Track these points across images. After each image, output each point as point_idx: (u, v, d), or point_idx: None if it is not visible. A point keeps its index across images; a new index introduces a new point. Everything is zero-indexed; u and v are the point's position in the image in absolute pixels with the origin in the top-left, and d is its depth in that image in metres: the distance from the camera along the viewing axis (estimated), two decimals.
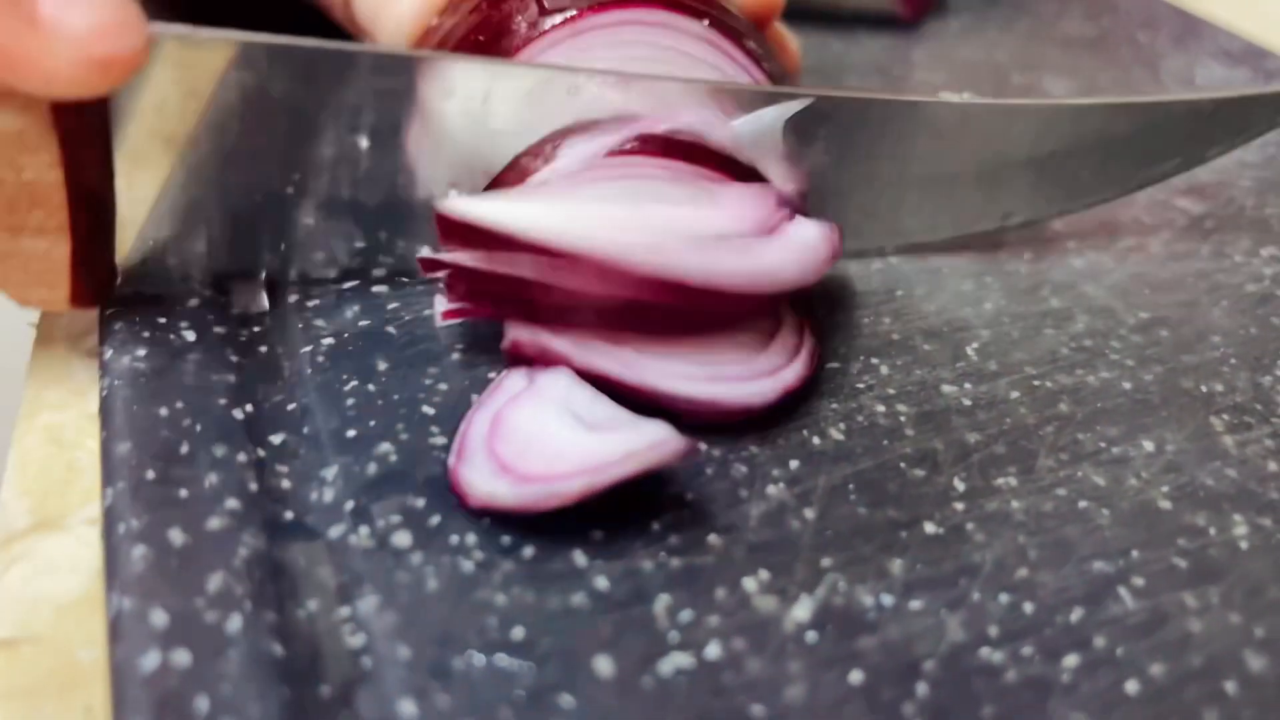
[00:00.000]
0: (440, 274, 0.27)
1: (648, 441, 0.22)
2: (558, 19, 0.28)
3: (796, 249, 0.27)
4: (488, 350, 0.28)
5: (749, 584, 0.23)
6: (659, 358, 0.26)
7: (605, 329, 0.26)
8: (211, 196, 0.28)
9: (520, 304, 0.26)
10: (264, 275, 0.30)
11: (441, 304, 0.27)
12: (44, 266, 0.27)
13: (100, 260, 0.28)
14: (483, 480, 0.23)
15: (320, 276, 0.30)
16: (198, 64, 0.26)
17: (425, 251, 0.27)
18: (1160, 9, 0.58)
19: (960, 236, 0.34)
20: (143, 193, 0.27)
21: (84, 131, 0.26)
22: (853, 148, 0.31)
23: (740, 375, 0.26)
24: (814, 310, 0.30)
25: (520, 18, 0.28)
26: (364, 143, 0.28)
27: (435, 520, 0.23)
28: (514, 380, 0.26)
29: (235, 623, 0.21)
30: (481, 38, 0.29)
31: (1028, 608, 0.23)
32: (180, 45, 0.25)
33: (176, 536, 0.22)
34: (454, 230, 0.26)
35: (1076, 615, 0.23)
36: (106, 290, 0.28)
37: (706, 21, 0.29)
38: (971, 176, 0.33)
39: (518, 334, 0.26)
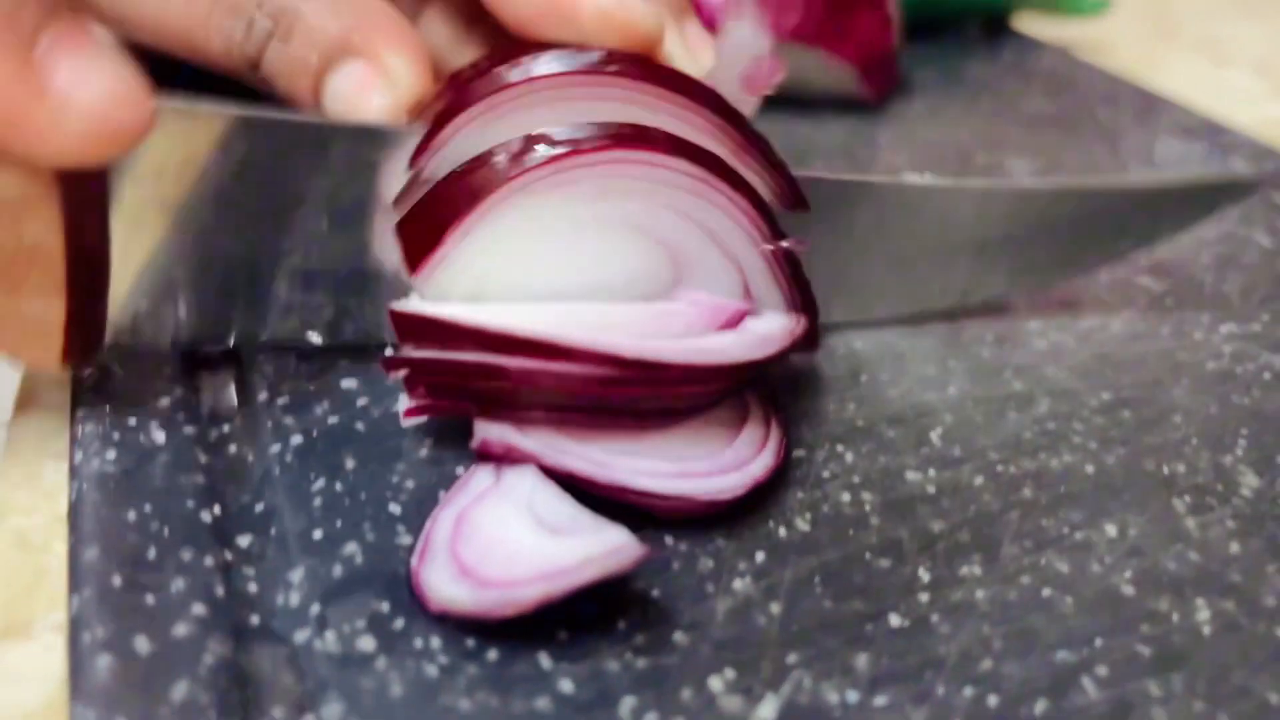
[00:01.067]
0: (400, 373, 0.27)
1: (605, 548, 0.23)
2: (539, 157, 0.27)
3: (751, 338, 0.28)
4: (455, 445, 0.29)
5: (715, 683, 0.23)
6: (626, 454, 0.27)
7: (569, 423, 0.27)
8: (199, 260, 0.29)
9: (480, 398, 0.27)
10: (234, 343, 0.31)
11: (405, 402, 0.28)
12: (39, 325, 0.27)
13: (92, 320, 0.28)
14: (443, 584, 0.23)
15: (293, 342, 0.31)
16: (194, 134, 0.27)
17: (389, 352, 0.27)
18: (1119, 86, 0.59)
19: (924, 317, 0.35)
20: (135, 256, 0.28)
21: (84, 197, 0.26)
22: (816, 227, 0.32)
23: (708, 470, 0.27)
24: (779, 397, 0.31)
25: (502, 152, 0.28)
26: (340, 213, 0.29)
27: (399, 624, 0.23)
28: (480, 478, 0.26)
29: None
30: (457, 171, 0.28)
31: (992, 700, 0.23)
32: (179, 117, 0.27)
33: (142, 645, 0.22)
34: (409, 328, 0.27)
35: (1041, 707, 0.23)
36: (95, 349, 0.29)
37: (704, 168, 0.28)
38: (930, 255, 0.34)
39: (486, 433, 0.27)
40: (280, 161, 0.29)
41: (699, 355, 0.26)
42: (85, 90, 0.24)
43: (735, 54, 0.32)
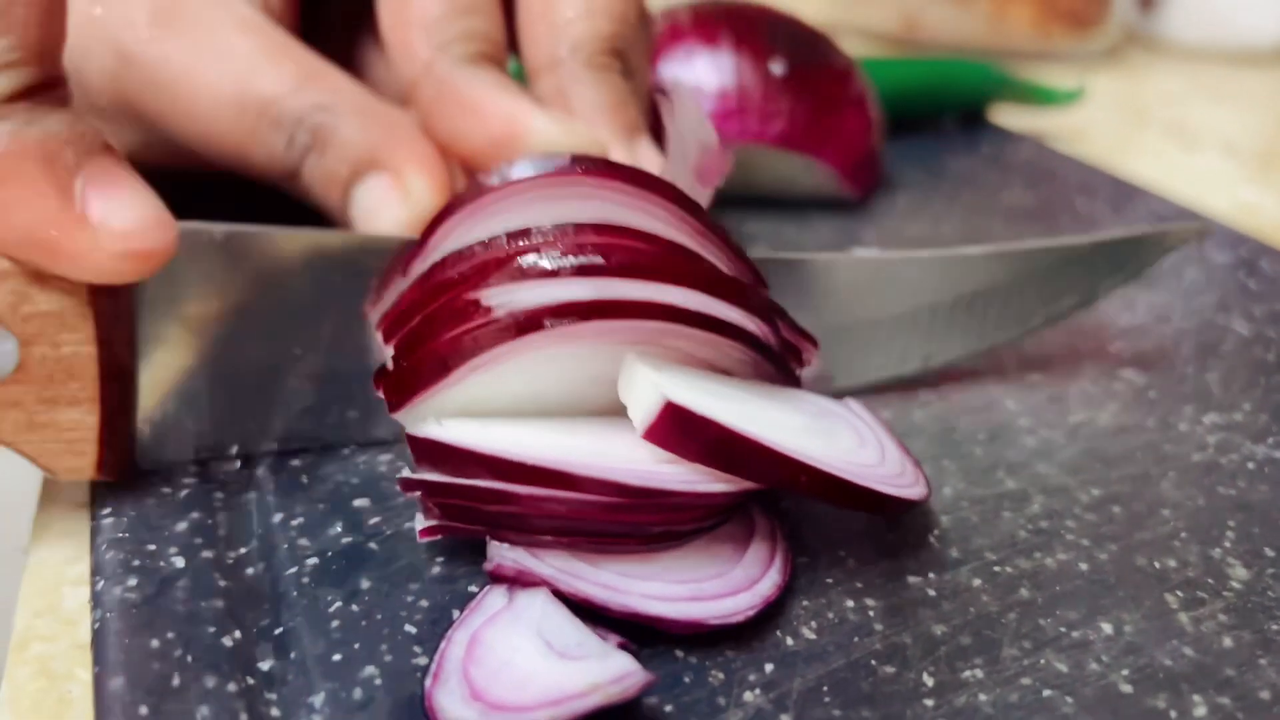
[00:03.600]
0: (416, 493, 0.28)
1: (611, 675, 0.23)
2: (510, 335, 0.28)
3: None
4: (468, 563, 0.29)
5: None
6: (638, 576, 0.27)
7: (579, 546, 0.28)
8: (216, 370, 0.32)
9: (491, 522, 0.28)
10: (253, 449, 0.33)
11: (421, 521, 0.29)
12: (75, 436, 0.30)
13: (123, 431, 0.31)
14: (454, 706, 0.24)
15: (317, 442, 0.33)
16: (212, 253, 0.30)
17: (405, 473, 0.28)
18: (1095, 176, 0.61)
19: (892, 385, 0.38)
20: (160, 369, 0.31)
21: (115, 312, 0.30)
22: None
23: (719, 591, 0.27)
24: (781, 503, 0.32)
25: (475, 322, 0.28)
26: (345, 319, 0.32)
27: None
28: (493, 599, 0.27)
29: None
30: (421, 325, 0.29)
31: None
32: (199, 238, 0.30)
33: None
34: (424, 451, 0.28)
35: None
36: (127, 460, 0.31)
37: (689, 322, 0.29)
38: (888, 324, 0.37)
39: (499, 556, 0.27)
40: (287, 274, 0.31)
41: (703, 481, 0.27)
42: (118, 218, 0.28)
43: (684, 149, 0.34)
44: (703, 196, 0.33)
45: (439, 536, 0.29)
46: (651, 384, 0.27)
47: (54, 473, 0.30)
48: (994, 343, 0.39)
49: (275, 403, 0.33)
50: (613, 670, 0.23)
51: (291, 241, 0.31)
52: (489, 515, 0.28)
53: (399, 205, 0.35)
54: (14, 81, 0.27)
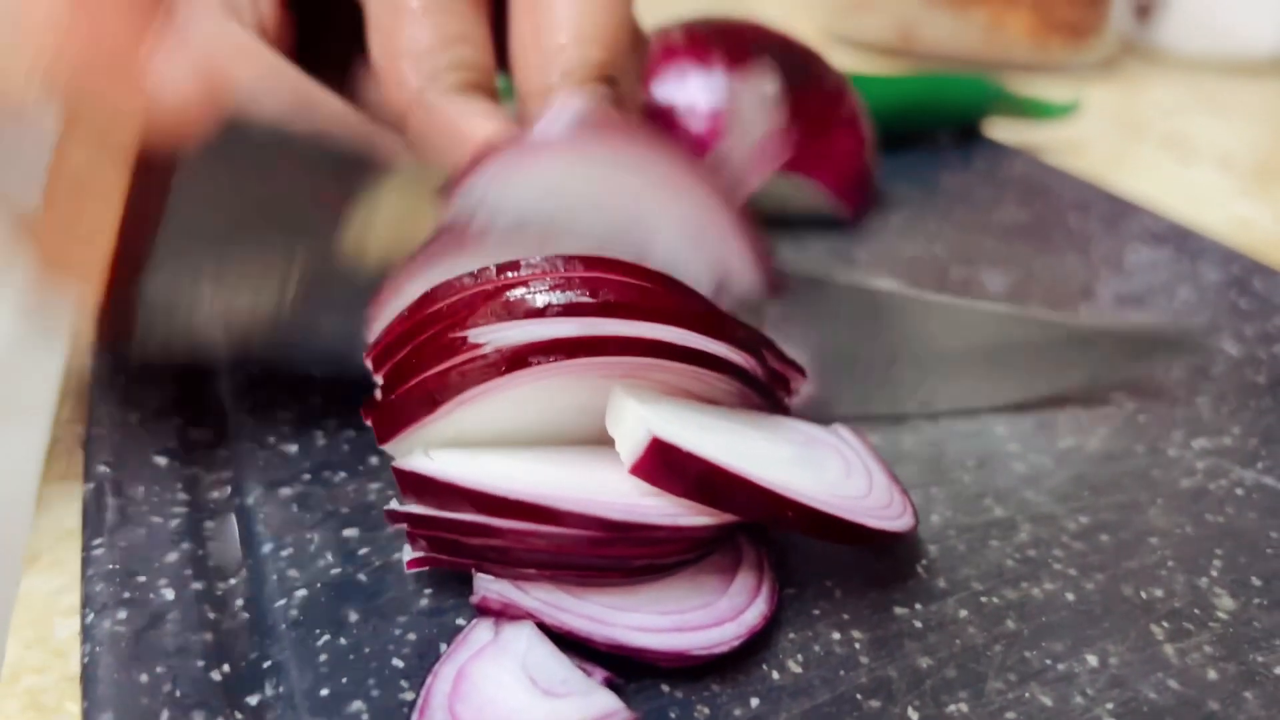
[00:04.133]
0: (403, 525, 0.28)
1: (595, 713, 0.23)
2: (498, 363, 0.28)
3: None
4: (456, 595, 0.29)
5: None
6: (623, 607, 0.27)
7: (561, 577, 0.28)
8: (225, 267, 0.32)
9: (479, 553, 0.28)
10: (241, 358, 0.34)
11: (408, 553, 0.29)
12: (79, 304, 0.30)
13: (125, 309, 0.31)
14: None
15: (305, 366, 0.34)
16: (247, 152, 0.31)
17: (394, 504, 0.29)
18: (1089, 192, 0.61)
19: (902, 435, 0.38)
20: (175, 254, 0.31)
21: (146, 188, 0.29)
22: (792, 321, 0.35)
23: (704, 621, 0.28)
24: (769, 533, 0.32)
25: (462, 358, 0.28)
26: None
27: None
28: (480, 633, 0.27)
29: None
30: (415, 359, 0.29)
31: None
32: (240, 129, 0.30)
33: None
34: (410, 484, 0.28)
35: None
36: (125, 339, 0.32)
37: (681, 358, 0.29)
38: (889, 361, 0.38)
39: (485, 590, 0.28)
40: (322, 184, 0.32)
41: (685, 515, 0.27)
42: (182, 63, 0.28)
43: (745, 133, 0.34)
44: (754, 180, 0.33)
45: (426, 568, 0.29)
46: (638, 419, 0.27)
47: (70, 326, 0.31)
48: (990, 404, 0.39)
49: (278, 314, 0.33)
50: (596, 709, 0.24)
51: (336, 152, 0.32)
52: (474, 548, 0.28)
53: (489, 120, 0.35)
54: None
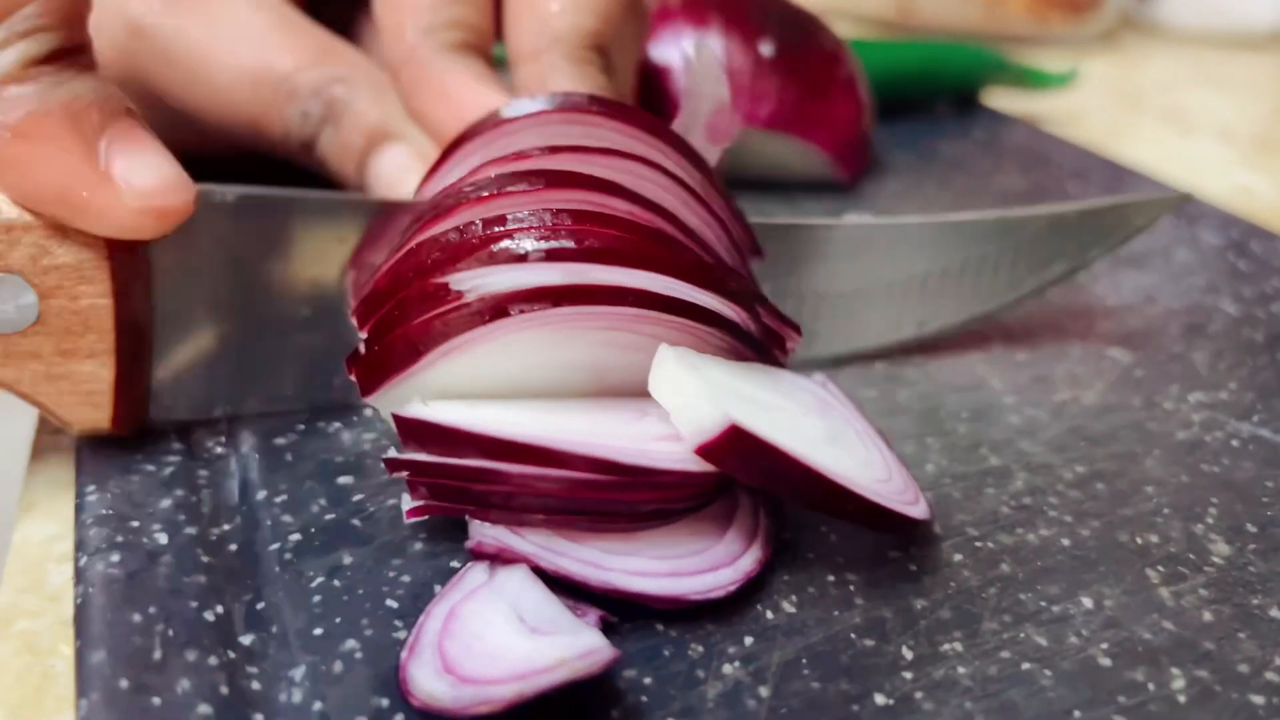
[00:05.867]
0: (403, 473, 0.28)
1: (578, 651, 0.23)
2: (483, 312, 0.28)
3: None
4: (452, 539, 0.29)
5: None
6: (620, 552, 0.27)
7: (566, 523, 0.28)
8: (233, 329, 0.33)
9: (480, 501, 0.28)
10: (263, 408, 0.34)
11: (408, 502, 0.29)
12: (91, 388, 0.31)
13: (138, 385, 0.32)
14: (426, 678, 0.24)
15: (329, 403, 0.34)
16: (225, 214, 0.31)
17: (391, 453, 0.28)
18: (1089, 160, 0.61)
19: (889, 352, 0.38)
20: (174, 325, 0.32)
21: (132, 268, 0.30)
22: (779, 270, 0.35)
23: (701, 566, 0.28)
24: None
25: (446, 307, 0.28)
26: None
27: (399, 718, 0.24)
28: (474, 574, 0.27)
29: None
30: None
31: None
32: (213, 198, 0.31)
33: None
34: (413, 431, 0.28)
35: None
36: (141, 414, 0.32)
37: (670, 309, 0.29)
38: (882, 290, 0.38)
39: (481, 534, 0.28)
40: (297, 235, 0.32)
41: (696, 462, 0.27)
42: (139, 177, 0.29)
43: (699, 106, 0.34)
44: (712, 154, 0.33)
45: (426, 516, 0.29)
46: (709, 399, 0.26)
47: (70, 425, 0.31)
48: (986, 310, 0.40)
49: (287, 362, 0.34)
50: (580, 646, 0.23)
51: (302, 204, 0.32)
52: (479, 495, 0.27)
53: (419, 173, 0.36)
54: (41, 46, 0.28)
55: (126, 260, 0.30)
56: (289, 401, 0.34)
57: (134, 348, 0.31)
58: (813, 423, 0.29)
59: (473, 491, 0.28)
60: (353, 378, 0.29)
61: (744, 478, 0.28)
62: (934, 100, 0.69)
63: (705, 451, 0.27)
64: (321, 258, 0.33)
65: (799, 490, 0.28)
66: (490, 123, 0.32)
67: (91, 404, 0.31)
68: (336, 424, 0.34)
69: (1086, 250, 0.40)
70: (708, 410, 0.26)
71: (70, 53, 0.29)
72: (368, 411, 0.35)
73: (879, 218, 0.40)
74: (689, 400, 0.27)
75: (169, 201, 0.29)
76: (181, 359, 0.32)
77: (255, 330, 0.33)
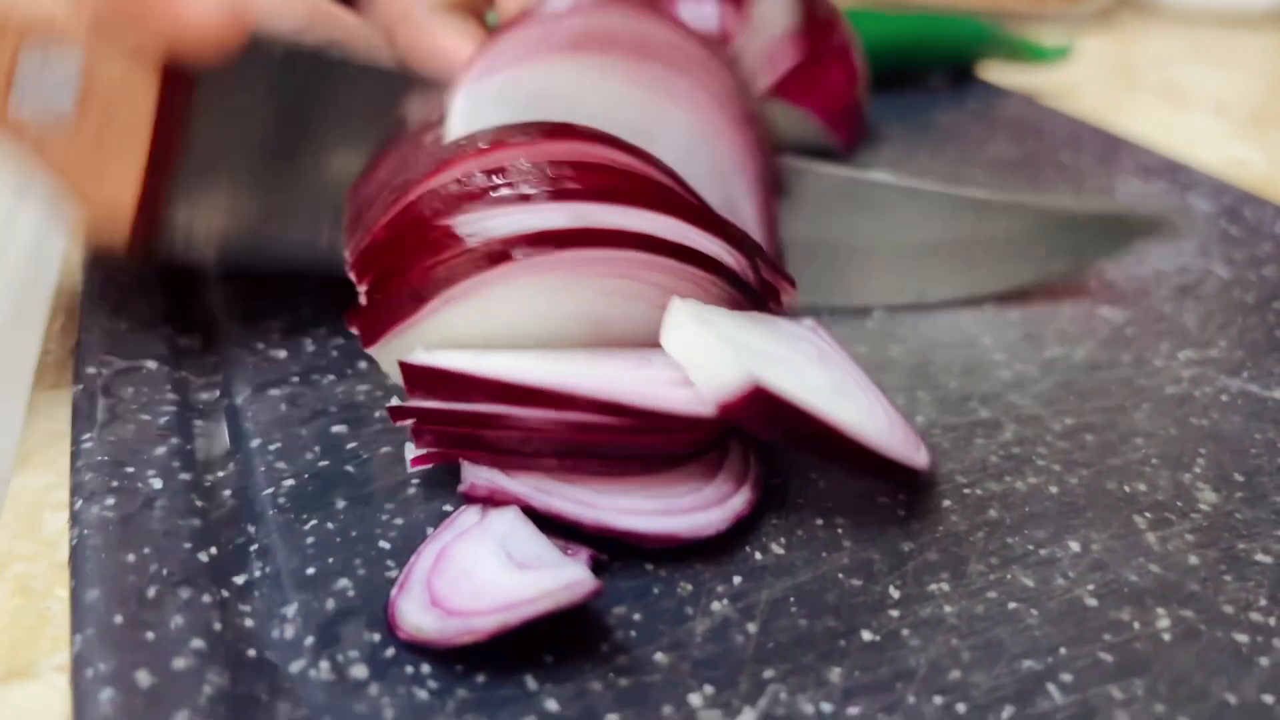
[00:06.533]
0: (408, 421, 0.28)
1: (560, 583, 0.23)
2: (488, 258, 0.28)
3: None
4: (445, 484, 0.30)
5: (694, 699, 0.24)
6: (610, 492, 0.28)
7: (575, 467, 0.28)
8: (254, 178, 0.34)
9: (489, 445, 0.28)
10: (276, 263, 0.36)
11: (411, 450, 0.29)
12: (114, 207, 0.32)
13: (157, 207, 0.33)
14: (414, 612, 0.24)
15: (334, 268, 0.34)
16: (269, 64, 0.33)
17: (394, 401, 0.28)
18: (1082, 130, 0.61)
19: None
20: (201, 162, 0.33)
21: (176, 92, 0.32)
22: (796, 213, 0.36)
23: (691, 506, 0.28)
24: None
25: (449, 253, 0.28)
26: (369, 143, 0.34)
27: (390, 652, 0.24)
28: (467, 516, 0.27)
29: None
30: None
31: (961, 708, 0.24)
32: (263, 44, 0.32)
33: (144, 678, 0.23)
34: (419, 378, 0.28)
35: (1008, 713, 0.24)
36: (156, 240, 0.34)
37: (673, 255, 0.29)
38: (890, 251, 0.39)
39: (474, 477, 0.28)
40: (335, 94, 0.34)
41: (704, 404, 0.27)
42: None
43: (762, 29, 0.34)
44: (763, 82, 0.34)
45: (430, 465, 0.29)
46: (729, 355, 0.27)
47: (92, 239, 0.33)
48: (983, 291, 0.40)
49: (304, 222, 0.35)
50: (562, 579, 0.24)
51: (347, 68, 0.34)
52: (488, 440, 0.28)
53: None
54: None
55: (173, 83, 0.32)
56: (296, 265, 0.35)
57: (161, 170, 0.32)
58: (817, 373, 0.30)
59: (481, 437, 0.28)
60: (354, 330, 0.29)
61: (762, 433, 0.28)
62: (929, 72, 0.69)
63: (727, 409, 0.27)
64: (358, 123, 0.34)
65: (814, 444, 0.28)
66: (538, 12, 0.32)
67: (111, 225, 0.33)
68: (330, 376, 0.34)
69: (1088, 254, 0.41)
70: (730, 368, 0.27)
71: None
72: (361, 364, 0.35)
73: (900, 178, 0.40)
74: (707, 357, 0.27)
75: (226, 23, 0.31)
76: (203, 194, 0.33)
77: (278, 182, 0.34)
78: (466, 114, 0.32)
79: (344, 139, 0.34)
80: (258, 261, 0.35)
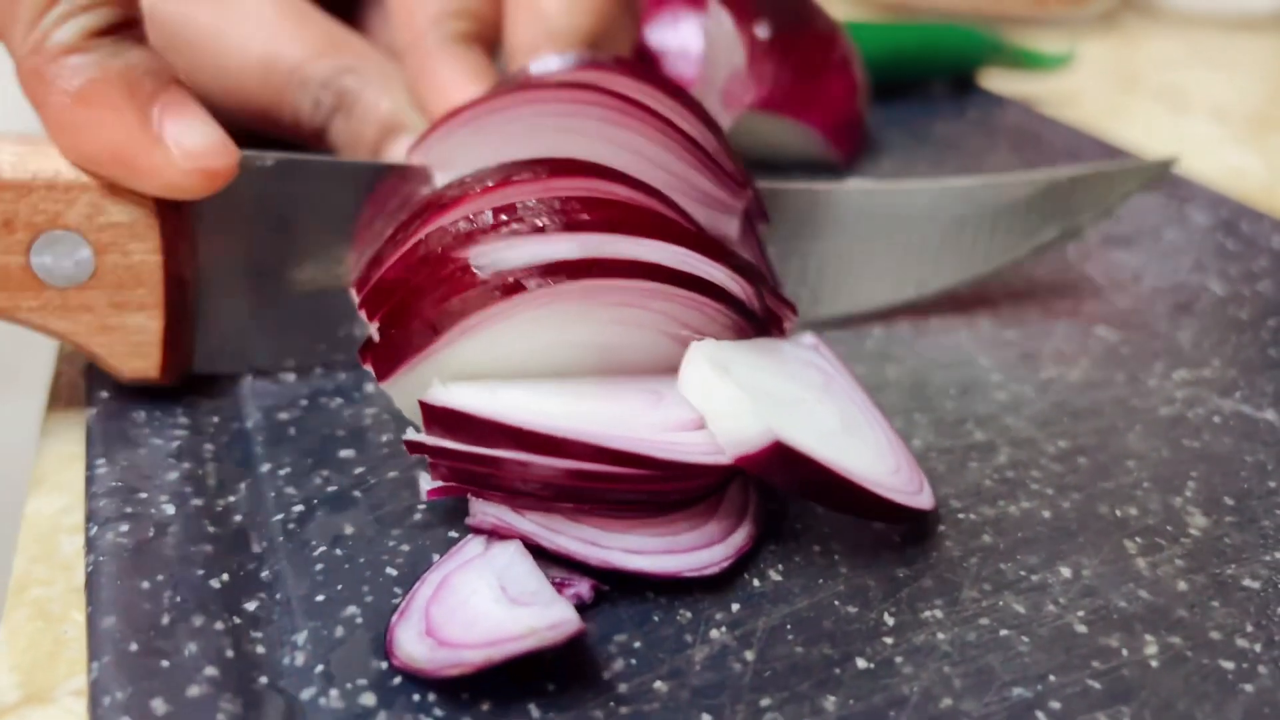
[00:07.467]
0: (424, 456, 0.29)
1: (548, 622, 0.24)
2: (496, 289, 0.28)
3: None
4: (452, 510, 0.30)
5: None
6: (617, 532, 0.28)
7: (577, 510, 0.28)
8: (272, 287, 0.35)
9: (497, 485, 0.28)
10: (313, 363, 0.37)
11: (426, 481, 0.29)
12: (141, 339, 0.33)
13: (183, 338, 0.34)
14: (409, 641, 0.25)
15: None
16: (265, 177, 0.34)
17: (410, 434, 0.29)
18: (1082, 140, 0.62)
19: (892, 311, 0.39)
20: (217, 282, 0.34)
21: (178, 226, 0.33)
22: (788, 234, 0.37)
23: (694, 544, 0.28)
24: None
25: (462, 284, 0.28)
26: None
27: (398, 680, 0.25)
28: (472, 546, 0.28)
29: None
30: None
31: None
32: (254, 162, 0.33)
33: (159, 706, 0.24)
34: (437, 417, 0.28)
35: None
36: (186, 365, 0.34)
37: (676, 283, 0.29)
38: (885, 251, 0.40)
39: (481, 513, 0.28)
40: (332, 198, 0.35)
41: (720, 451, 0.28)
42: (189, 139, 0.31)
43: (715, 72, 0.35)
44: (725, 119, 0.34)
45: (445, 497, 0.29)
46: (750, 409, 0.27)
47: (120, 374, 0.33)
48: (982, 271, 0.42)
49: (325, 318, 0.36)
50: (549, 618, 0.24)
51: (338, 169, 0.35)
52: (503, 481, 0.28)
53: None
54: (100, 19, 0.30)
55: (174, 219, 0.33)
56: (325, 356, 0.36)
57: (180, 301, 0.33)
58: (827, 411, 0.30)
59: (496, 477, 0.28)
60: (367, 365, 0.30)
61: (780, 484, 0.29)
62: (930, 82, 0.69)
63: (748, 463, 0.28)
64: (355, 220, 0.35)
65: (825, 492, 0.29)
66: (519, 82, 0.33)
67: (140, 354, 0.33)
68: (338, 399, 0.35)
69: (1077, 215, 0.41)
70: (750, 422, 0.27)
71: (125, 25, 0.31)
72: (368, 387, 0.35)
73: (879, 182, 0.41)
74: (727, 409, 0.28)
75: (215, 163, 0.31)
76: (224, 312, 0.35)
77: (293, 286, 0.35)
78: (444, 162, 0.33)
79: (345, 238, 0.35)
80: (287, 364, 0.36)
